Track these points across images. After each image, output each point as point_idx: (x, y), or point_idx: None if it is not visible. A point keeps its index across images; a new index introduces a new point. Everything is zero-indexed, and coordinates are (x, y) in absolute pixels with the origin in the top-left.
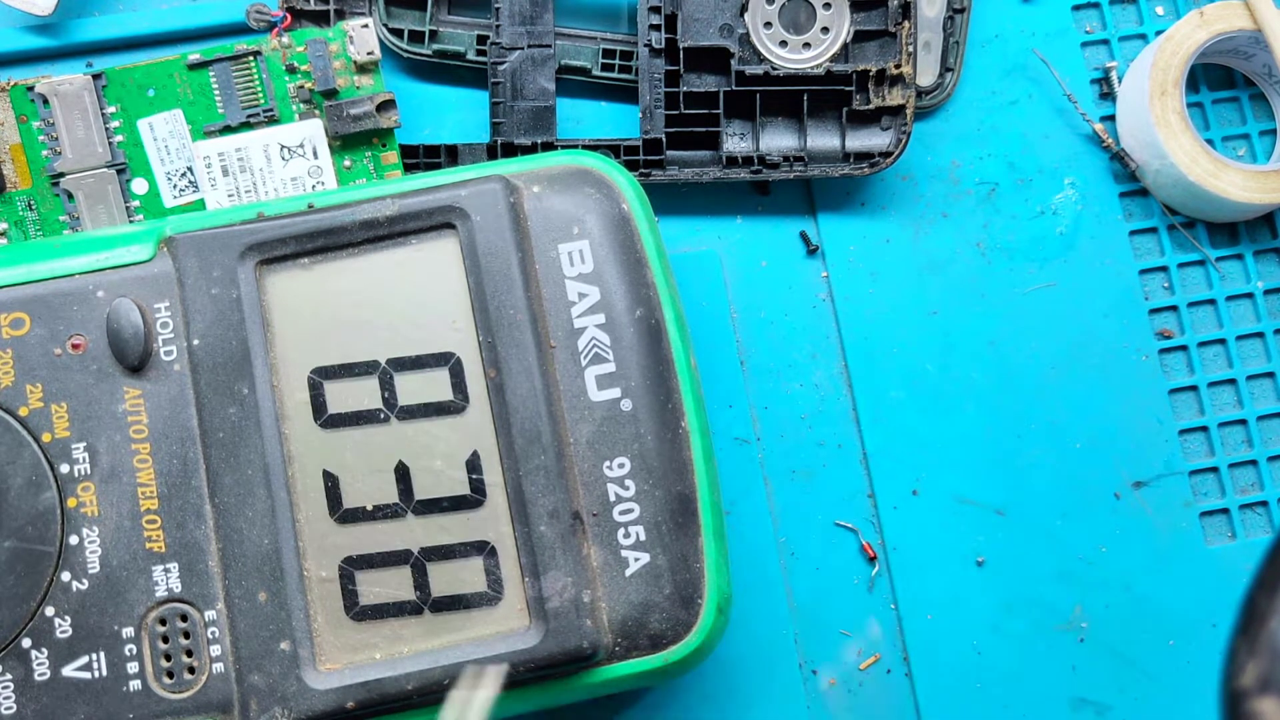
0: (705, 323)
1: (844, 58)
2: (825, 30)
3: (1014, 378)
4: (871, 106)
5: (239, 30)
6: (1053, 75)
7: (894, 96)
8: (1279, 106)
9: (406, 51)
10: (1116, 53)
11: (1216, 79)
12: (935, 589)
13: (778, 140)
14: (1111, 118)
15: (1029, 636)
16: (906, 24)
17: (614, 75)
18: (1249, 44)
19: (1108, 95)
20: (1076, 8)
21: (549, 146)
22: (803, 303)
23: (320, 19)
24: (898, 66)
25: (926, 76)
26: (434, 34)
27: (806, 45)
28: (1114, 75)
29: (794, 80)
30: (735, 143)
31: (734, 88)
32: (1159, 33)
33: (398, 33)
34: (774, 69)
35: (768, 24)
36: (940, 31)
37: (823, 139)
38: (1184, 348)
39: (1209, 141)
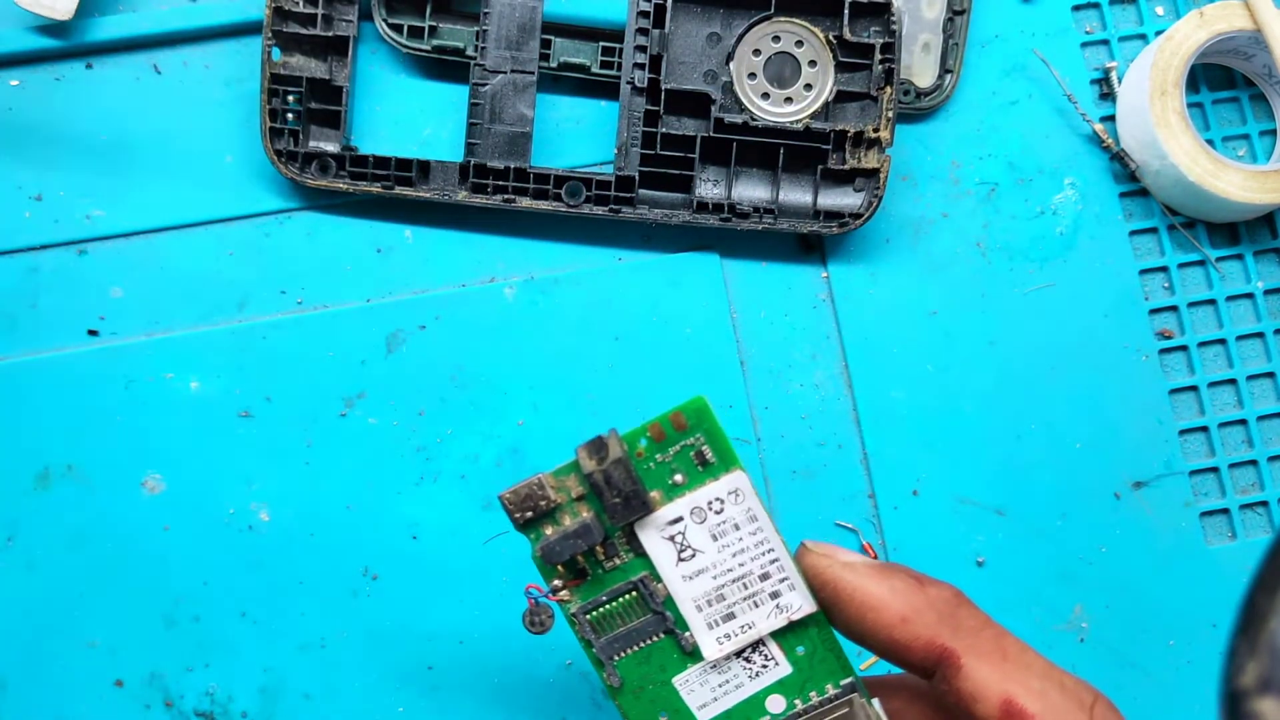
0: (705, 323)
1: (824, 116)
2: (808, 87)
3: (1014, 378)
4: (846, 167)
5: (240, 31)
6: (1053, 75)
7: (869, 159)
8: (1279, 106)
9: (406, 47)
10: (1116, 53)
11: (1216, 79)
12: None
13: (750, 190)
14: (1111, 118)
15: (1029, 636)
16: (889, 89)
17: (612, 73)
18: (1249, 44)
19: (1108, 95)
20: (1076, 8)
21: (521, 173)
22: (803, 303)
23: (308, 21)
24: (876, 130)
25: (926, 78)
26: (434, 29)
27: (788, 100)
28: (1114, 75)
29: (772, 133)
30: (708, 188)
31: (712, 134)
32: (1159, 33)
33: (397, 28)
34: (754, 120)
35: (752, 75)
36: (940, 33)
37: (795, 194)
38: (1184, 348)
39: (1209, 141)
